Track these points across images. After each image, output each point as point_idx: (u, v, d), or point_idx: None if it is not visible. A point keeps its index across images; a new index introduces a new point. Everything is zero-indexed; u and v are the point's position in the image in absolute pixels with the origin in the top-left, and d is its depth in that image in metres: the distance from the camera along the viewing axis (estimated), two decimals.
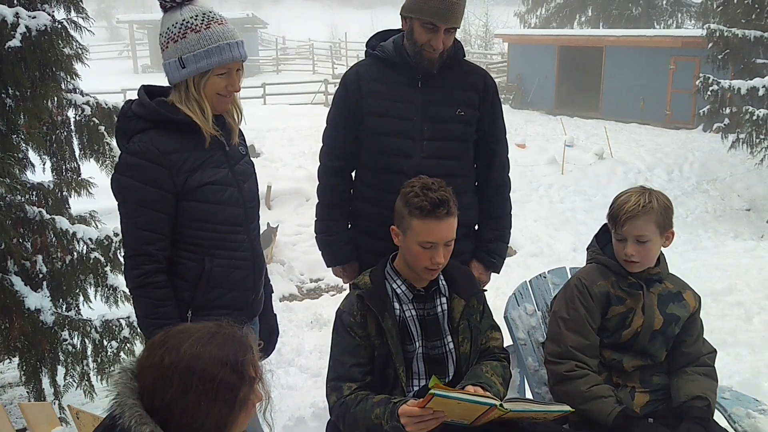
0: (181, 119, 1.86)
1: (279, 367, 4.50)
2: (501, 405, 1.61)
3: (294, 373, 4.69)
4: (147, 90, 1.94)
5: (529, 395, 2.31)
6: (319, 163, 2.52)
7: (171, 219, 1.89)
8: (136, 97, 1.92)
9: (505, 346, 2.11)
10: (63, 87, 4.33)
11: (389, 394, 1.86)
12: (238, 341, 1.28)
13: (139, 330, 3.48)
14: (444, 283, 2.00)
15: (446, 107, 2.31)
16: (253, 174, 2.12)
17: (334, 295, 6.77)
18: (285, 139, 12.43)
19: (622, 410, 1.95)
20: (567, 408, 1.81)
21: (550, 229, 9.51)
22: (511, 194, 2.54)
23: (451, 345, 1.96)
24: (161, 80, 2.08)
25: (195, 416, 1.20)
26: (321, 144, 2.52)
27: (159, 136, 1.85)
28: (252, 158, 2.17)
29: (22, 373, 4.12)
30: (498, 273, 2.56)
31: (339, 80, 2.50)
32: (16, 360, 4.20)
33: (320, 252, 2.56)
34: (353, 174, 2.53)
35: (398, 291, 1.96)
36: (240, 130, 2.07)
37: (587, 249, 2.24)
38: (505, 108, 6.44)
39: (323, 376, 4.54)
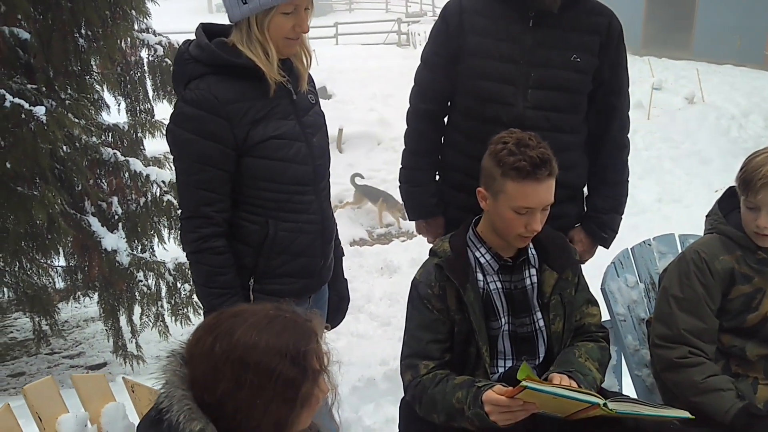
0: (243, 63, 1.65)
1: (349, 314, 4.45)
2: (605, 404, 1.39)
3: (364, 320, 4.63)
4: (206, 29, 1.73)
5: (626, 377, 2.08)
6: (408, 105, 2.26)
7: (231, 177, 1.71)
8: (194, 37, 1.72)
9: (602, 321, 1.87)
10: (135, 27, 4.28)
11: (471, 375, 1.68)
12: (301, 327, 1.10)
13: None
14: (534, 252, 1.76)
15: (559, 51, 2.00)
16: (324, 126, 1.90)
17: (404, 240, 6.65)
18: (357, 80, 12.20)
19: (743, 406, 1.70)
20: (686, 414, 1.55)
21: (633, 177, 8.68)
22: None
23: (542, 322, 1.75)
24: None
25: (249, 415, 1.04)
26: (412, 84, 2.23)
27: (218, 82, 1.66)
28: (323, 99, 1.93)
29: (101, 310, 4.25)
30: (607, 248, 2.25)
31: (412, 19, 2.18)
32: (95, 297, 4.33)
33: (402, 203, 2.36)
34: (446, 119, 2.25)
35: (482, 260, 1.74)
36: (309, 75, 1.84)
37: (706, 216, 1.93)
38: None
39: (393, 325, 4.48)
